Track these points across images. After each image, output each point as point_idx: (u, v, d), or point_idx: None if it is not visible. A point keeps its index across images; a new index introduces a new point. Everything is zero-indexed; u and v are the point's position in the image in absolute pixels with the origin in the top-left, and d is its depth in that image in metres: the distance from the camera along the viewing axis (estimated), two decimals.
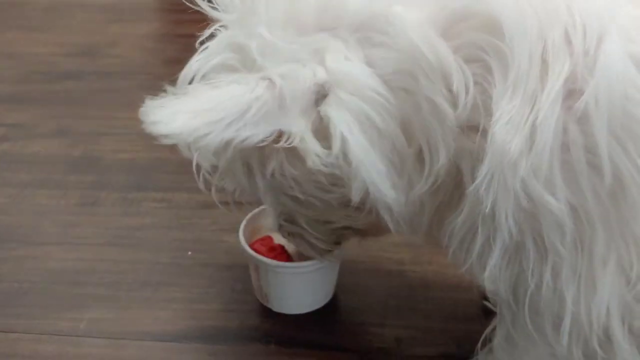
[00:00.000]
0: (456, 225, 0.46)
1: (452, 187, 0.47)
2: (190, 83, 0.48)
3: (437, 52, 0.42)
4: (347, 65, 0.44)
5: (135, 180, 0.90)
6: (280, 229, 0.63)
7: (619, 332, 0.45)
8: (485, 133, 0.42)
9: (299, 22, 0.45)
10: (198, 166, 0.53)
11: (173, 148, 0.97)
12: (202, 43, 0.49)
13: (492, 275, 0.46)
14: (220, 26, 0.49)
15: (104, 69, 1.15)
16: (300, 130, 0.43)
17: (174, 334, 0.68)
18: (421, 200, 0.48)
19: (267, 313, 0.70)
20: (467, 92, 0.42)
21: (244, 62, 0.46)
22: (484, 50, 0.42)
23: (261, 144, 0.44)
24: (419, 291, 0.73)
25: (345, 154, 0.44)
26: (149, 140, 1.05)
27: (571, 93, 0.40)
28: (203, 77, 0.48)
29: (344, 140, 0.43)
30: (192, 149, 0.47)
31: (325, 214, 0.57)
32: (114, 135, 0.99)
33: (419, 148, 0.45)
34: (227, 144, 0.42)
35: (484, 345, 0.58)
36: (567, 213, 0.41)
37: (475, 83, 0.43)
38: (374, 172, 0.44)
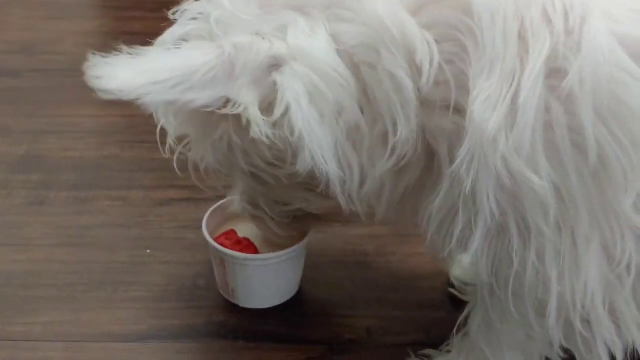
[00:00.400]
0: (434, 208, 0.46)
1: (424, 170, 0.47)
2: None
3: (402, 26, 0.42)
4: (309, 41, 0.44)
5: (86, 178, 0.86)
6: (244, 211, 0.63)
7: (601, 312, 0.45)
8: (462, 112, 0.42)
9: None
10: (163, 131, 0.53)
11: (123, 146, 0.95)
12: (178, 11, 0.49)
13: (474, 260, 0.46)
14: None
15: (46, 66, 1.10)
16: (246, 100, 0.44)
17: (138, 333, 0.65)
18: (382, 181, 0.47)
19: (233, 309, 0.68)
20: (431, 65, 0.42)
21: (210, 33, 0.46)
22: (457, 29, 0.42)
23: (206, 109, 0.44)
24: (385, 281, 0.73)
25: (289, 123, 0.43)
26: (99, 137, 1.02)
27: (553, 72, 0.40)
28: (175, 43, 0.47)
29: (288, 107, 0.43)
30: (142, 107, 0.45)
31: (279, 193, 0.57)
32: (60, 133, 0.95)
33: (383, 125, 0.45)
34: (171, 104, 0.43)
35: (458, 330, 0.58)
36: (551, 192, 0.41)
37: (450, 62, 0.43)
38: (316, 145, 0.43)
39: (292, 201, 0.59)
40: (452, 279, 0.71)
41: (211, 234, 0.67)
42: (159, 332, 0.65)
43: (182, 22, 0.49)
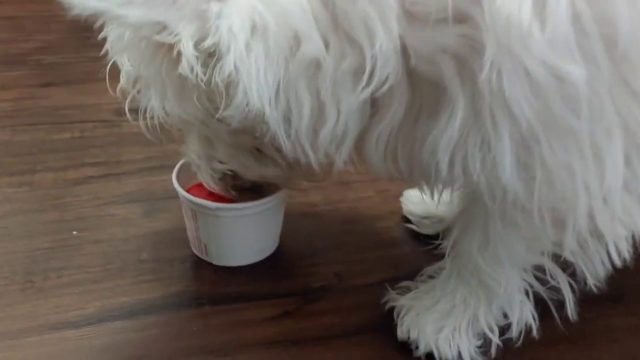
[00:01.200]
0: (447, 137, 0.42)
1: (411, 105, 0.44)
2: None
3: None
4: None
5: None
6: (191, 162, 0.59)
7: (618, 208, 0.45)
8: (468, 21, 0.39)
9: None
10: (114, 69, 0.49)
11: (14, 130, 0.84)
12: None
13: (499, 174, 0.42)
14: None
15: None
16: (183, 32, 0.41)
17: (85, 318, 0.57)
18: (346, 123, 0.44)
19: (190, 275, 0.62)
20: None
21: None
22: None
23: (139, 31, 0.42)
24: (339, 228, 0.70)
25: (220, 58, 0.40)
26: None
27: None
28: None
29: (220, 37, 0.40)
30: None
31: (221, 151, 0.55)
32: None
33: (356, 57, 0.41)
34: (101, 14, 0.40)
35: (449, 254, 0.56)
36: (583, 84, 0.39)
37: None
38: (253, 82, 0.40)
39: (229, 162, 0.56)
40: (408, 215, 0.70)
41: (184, 186, 0.61)
42: (111, 313, 0.58)
43: None
